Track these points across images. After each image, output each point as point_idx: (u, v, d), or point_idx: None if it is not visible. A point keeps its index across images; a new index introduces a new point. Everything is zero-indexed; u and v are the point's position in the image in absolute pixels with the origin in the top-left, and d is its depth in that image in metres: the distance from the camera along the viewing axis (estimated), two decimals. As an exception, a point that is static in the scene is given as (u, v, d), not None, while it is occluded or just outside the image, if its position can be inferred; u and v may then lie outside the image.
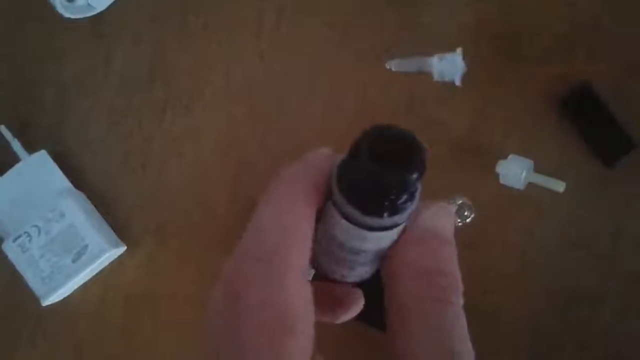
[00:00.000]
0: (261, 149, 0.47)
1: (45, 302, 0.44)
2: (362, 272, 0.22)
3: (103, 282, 0.47)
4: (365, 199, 0.18)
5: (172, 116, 0.48)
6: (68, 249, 0.44)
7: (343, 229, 0.19)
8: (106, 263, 0.46)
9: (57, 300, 0.46)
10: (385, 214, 0.18)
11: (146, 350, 0.47)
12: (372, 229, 0.19)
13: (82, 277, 0.45)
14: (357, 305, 0.23)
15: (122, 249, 0.46)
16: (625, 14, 0.45)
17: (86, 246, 0.44)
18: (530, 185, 0.43)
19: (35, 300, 0.44)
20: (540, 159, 0.44)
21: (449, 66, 0.44)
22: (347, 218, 0.19)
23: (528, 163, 0.43)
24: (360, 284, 0.23)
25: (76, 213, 0.45)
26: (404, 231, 0.20)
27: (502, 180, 0.44)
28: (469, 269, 0.46)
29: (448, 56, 0.45)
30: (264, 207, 0.20)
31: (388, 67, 0.46)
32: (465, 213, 0.42)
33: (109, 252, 0.44)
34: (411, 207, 0.19)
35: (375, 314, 0.21)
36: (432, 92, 0.46)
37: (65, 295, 0.46)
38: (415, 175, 0.18)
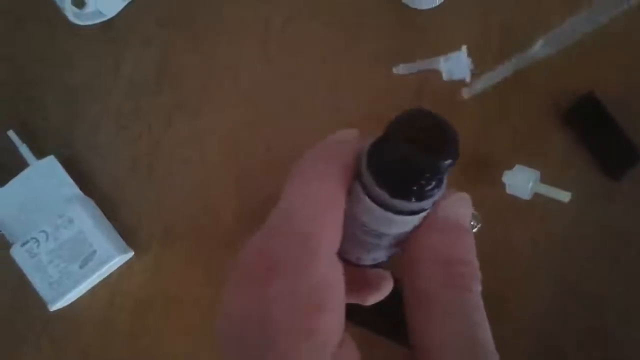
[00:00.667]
0: (268, 152, 0.48)
1: (53, 307, 0.44)
2: (378, 255, 0.22)
3: (110, 286, 0.47)
4: (394, 181, 0.18)
5: (180, 120, 0.49)
6: (76, 255, 0.44)
7: (368, 211, 0.19)
8: (114, 268, 0.47)
9: (64, 305, 0.46)
10: (413, 198, 0.18)
11: (153, 354, 0.47)
12: (398, 212, 0.19)
13: (89, 283, 0.45)
14: (386, 287, 0.23)
15: (130, 254, 0.47)
16: (630, 24, 0.45)
17: (94, 252, 0.44)
18: (535, 195, 0.44)
19: (42, 304, 0.44)
20: (546, 170, 0.44)
21: (456, 65, 0.45)
22: (374, 199, 0.19)
23: (534, 173, 0.44)
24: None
25: (84, 219, 0.45)
26: (425, 218, 0.20)
27: (508, 190, 0.44)
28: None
29: (453, 55, 0.45)
30: (293, 187, 0.19)
31: (395, 72, 0.47)
32: (472, 223, 0.42)
33: (116, 258, 0.45)
34: (438, 194, 0.19)
35: (398, 328, 0.21)
36: (439, 100, 0.46)
37: (73, 300, 0.46)
38: (447, 162, 0.18)
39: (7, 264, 0.45)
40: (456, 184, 0.45)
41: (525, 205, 0.44)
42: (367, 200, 0.19)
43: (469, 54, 0.44)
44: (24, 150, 0.47)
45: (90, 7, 0.46)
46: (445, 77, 0.45)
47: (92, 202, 0.47)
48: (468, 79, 0.45)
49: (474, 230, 0.43)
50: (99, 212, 0.47)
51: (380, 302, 0.23)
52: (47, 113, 0.49)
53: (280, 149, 0.48)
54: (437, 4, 0.46)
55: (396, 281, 0.23)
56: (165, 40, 0.49)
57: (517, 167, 0.44)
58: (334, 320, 0.18)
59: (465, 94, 0.46)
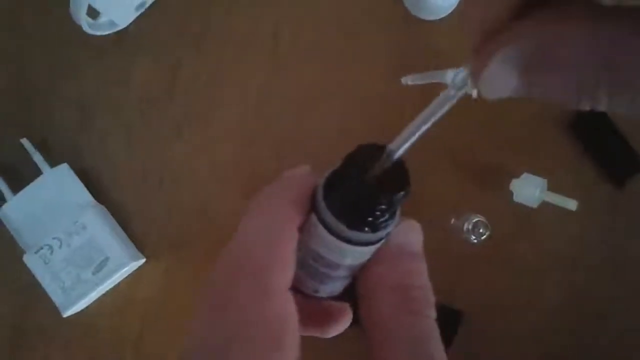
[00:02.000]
0: (277, 161, 0.48)
1: (66, 314, 0.45)
2: (334, 287, 0.22)
3: (121, 293, 0.48)
4: (350, 213, 0.19)
5: (190, 131, 0.49)
6: (89, 261, 0.45)
7: (324, 242, 0.20)
8: (125, 275, 0.47)
9: (77, 311, 0.46)
10: (368, 229, 0.19)
11: (163, 361, 0.47)
12: (352, 243, 0.20)
13: (102, 289, 0.46)
14: (346, 319, 0.24)
15: (142, 261, 0.47)
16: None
17: (107, 259, 0.45)
18: (542, 203, 0.44)
19: (54, 311, 0.45)
20: (552, 178, 0.45)
21: (465, 79, 0.45)
22: (331, 231, 0.20)
23: (542, 182, 0.44)
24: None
25: (98, 226, 0.45)
26: (377, 249, 0.21)
27: (516, 198, 0.45)
28: (483, 285, 0.47)
29: (463, 69, 0.45)
30: (248, 221, 0.20)
31: (404, 82, 0.47)
32: (481, 231, 0.43)
33: (129, 264, 0.45)
34: (392, 225, 0.20)
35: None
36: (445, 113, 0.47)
37: (85, 306, 0.47)
38: (400, 195, 0.19)
39: (20, 271, 0.45)
40: (465, 191, 0.46)
41: (533, 213, 0.45)
42: (324, 231, 0.20)
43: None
44: (38, 158, 0.47)
45: (103, 18, 0.47)
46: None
47: (104, 210, 0.47)
48: (475, 95, 0.45)
49: (483, 237, 0.43)
50: (111, 219, 0.47)
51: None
52: (59, 122, 0.49)
53: (290, 157, 0.48)
54: (445, 14, 0.47)
55: None
56: (176, 51, 0.49)
57: (525, 175, 0.45)
58: (292, 354, 0.18)
59: (405, 80, 0.46)
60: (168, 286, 0.48)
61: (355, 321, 0.23)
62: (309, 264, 0.21)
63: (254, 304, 0.18)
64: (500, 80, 0.16)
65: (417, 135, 0.20)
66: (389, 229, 0.20)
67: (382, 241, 0.20)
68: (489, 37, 0.16)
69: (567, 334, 0.45)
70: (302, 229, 0.20)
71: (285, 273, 0.19)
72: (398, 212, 0.20)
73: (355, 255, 0.20)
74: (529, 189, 0.44)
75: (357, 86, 0.48)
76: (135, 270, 0.48)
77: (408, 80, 0.47)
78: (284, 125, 0.49)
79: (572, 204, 0.44)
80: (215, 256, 0.49)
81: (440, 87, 0.49)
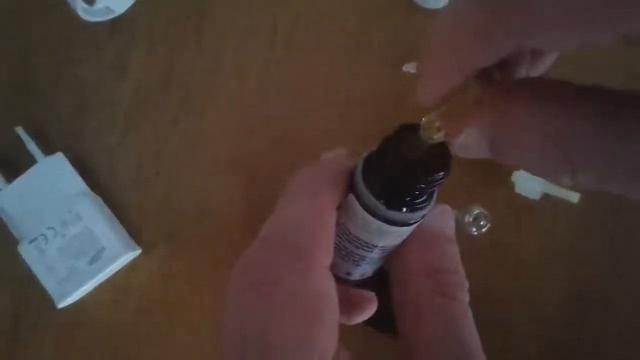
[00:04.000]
0: (275, 153, 0.48)
1: (61, 305, 0.44)
2: (366, 270, 0.22)
3: (115, 284, 0.47)
4: (390, 193, 0.19)
5: (186, 121, 0.48)
6: (84, 252, 0.44)
7: (363, 222, 0.20)
8: (121, 266, 0.46)
9: (71, 302, 0.46)
10: (407, 209, 0.19)
11: (157, 354, 0.47)
12: (391, 222, 0.20)
13: (97, 280, 0.45)
14: (371, 307, 0.24)
15: (138, 251, 0.47)
16: None
17: (103, 249, 0.44)
18: (544, 195, 0.44)
19: (47, 301, 0.44)
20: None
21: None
22: (369, 211, 0.20)
23: (543, 174, 0.44)
24: (361, 284, 0.24)
25: (93, 215, 0.45)
26: (412, 232, 0.21)
27: (517, 190, 0.44)
28: (483, 277, 0.47)
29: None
30: (287, 204, 0.20)
31: (405, 70, 0.47)
32: (482, 223, 0.42)
33: (125, 255, 0.44)
34: (429, 207, 0.20)
35: (386, 320, 0.22)
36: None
37: (79, 297, 0.46)
38: (439, 176, 0.19)
39: (14, 261, 0.45)
40: (466, 182, 0.45)
41: (534, 205, 0.44)
42: (362, 211, 0.20)
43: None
44: (32, 146, 0.46)
45: (99, 4, 0.46)
46: None
47: (99, 199, 0.47)
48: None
49: (484, 229, 0.43)
50: (106, 209, 0.47)
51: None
52: (54, 111, 0.49)
53: (288, 150, 0.48)
54: (446, 3, 0.46)
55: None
56: (173, 39, 0.49)
57: (526, 167, 0.44)
58: (331, 331, 0.18)
59: (407, 68, 0.46)
60: (163, 277, 0.47)
61: (370, 322, 0.23)
62: (344, 247, 0.21)
63: (297, 280, 0.18)
64: (474, 147, 0.17)
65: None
66: (426, 211, 0.20)
67: (419, 223, 0.20)
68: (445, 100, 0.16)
69: (568, 327, 0.44)
70: (338, 210, 0.20)
71: (326, 253, 0.19)
72: (435, 195, 0.20)
73: (391, 236, 0.20)
74: (530, 181, 0.44)
75: (358, 77, 0.48)
76: (131, 261, 0.47)
77: (410, 68, 0.47)
78: (282, 118, 0.48)
79: (573, 196, 0.43)
80: (212, 248, 0.48)
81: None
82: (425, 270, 0.20)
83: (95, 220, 0.45)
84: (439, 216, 0.21)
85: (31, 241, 0.44)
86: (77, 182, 0.46)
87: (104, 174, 0.48)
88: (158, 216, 0.48)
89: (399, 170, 0.19)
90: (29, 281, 0.45)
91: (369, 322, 0.24)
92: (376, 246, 0.21)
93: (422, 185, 0.19)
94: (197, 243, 0.47)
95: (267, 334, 0.18)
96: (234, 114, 0.48)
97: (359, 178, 0.20)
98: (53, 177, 0.46)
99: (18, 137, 0.47)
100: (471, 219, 0.42)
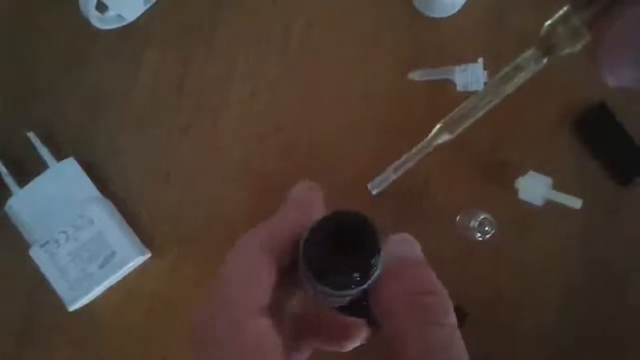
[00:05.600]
0: (286, 160, 0.48)
1: (72, 308, 0.45)
2: (346, 302, 0.22)
3: (126, 288, 0.48)
4: (331, 281, 0.19)
5: (198, 128, 0.49)
6: (96, 256, 0.45)
7: (320, 293, 0.21)
8: (131, 269, 0.47)
9: (82, 305, 0.46)
10: (353, 286, 0.20)
11: (167, 356, 0.47)
12: (343, 295, 0.20)
13: (108, 283, 0.46)
14: (362, 334, 0.24)
15: (148, 255, 0.47)
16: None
17: (114, 253, 0.45)
18: (547, 201, 0.45)
19: (58, 304, 0.45)
20: (557, 176, 0.45)
21: (471, 76, 0.46)
22: (319, 290, 0.20)
23: (547, 180, 0.45)
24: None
25: (104, 220, 0.45)
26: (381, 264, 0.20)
27: (521, 196, 0.45)
28: (488, 283, 0.48)
29: (470, 67, 0.46)
30: (229, 257, 0.22)
31: (411, 77, 0.48)
32: (487, 228, 0.43)
33: (135, 259, 0.45)
34: (377, 272, 0.20)
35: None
36: (454, 106, 0.47)
37: (90, 300, 0.47)
38: (373, 259, 0.19)
39: (25, 265, 0.45)
40: (470, 189, 0.46)
41: (537, 211, 0.45)
42: (314, 287, 0.20)
43: (486, 66, 0.45)
44: (44, 152, 0.47)
45: (112, 12, 0.47)
46: (460, 88, 0.46)
47: (110, 204, 0.47)
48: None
49: (488, 235, 0.44)
50: (117, 213, 0.47)
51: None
52: (66, 116, 0.49)
53: (299, 156, 0.48)
54: (453, 12, 0.47)
55: None
56: (185, 46, 0.49)
57: (530, 173, 0.45)
58: None
59: (413, 75, 0.47)
60: (174, 281, 0.48)
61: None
62: (316, 295, 0.22)
63: (230, 337, 0.19)
64: (629, 73, 0.19)
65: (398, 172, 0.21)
66: (374, 276, 0.20)
67: (376, 273, 0.20)
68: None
69: (572, 332, 0.45)
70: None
71: (257, 298, 0.20)
72: (380, 260, 0.20)
73: (353, 294, 0.20)
74: (534, 187, 0.45)
75: (367, 84, 0.48)
76: (141, 265, 0.48)
77: (416, 75, 0.48)
78: (293, 124, 0.49)
79: (577, 203, 0.44)
80: (221, 252, 0.49)
81: (446, 84, 0.50)
82: (401, 298, 0.20)
83: (106, 224, 0.45)
84: (400, 244, 0.21)
85: (42, 245, 0.45)
86: (88, 187, 0.47)
87: (115, 178, 0.49)
88: (168, 221, 0.48)
89: (332, 262, 0.19)
90: (40, 284, 0.45)
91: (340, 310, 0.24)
92: (345, 299, 0.21)
93: (359, 272, 0.19)
94: (207, 247, 0.48)
95: None
96: (245, 120, 0.49)
97: (301, 260, 0.20)
98: (65, 182, 0.46)
99: (30, 142, 0.47)
100: (476, 224, 0.43)
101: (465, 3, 0.47)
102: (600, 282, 0.45)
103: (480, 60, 0.46)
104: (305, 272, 0.20)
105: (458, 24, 0.48)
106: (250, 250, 0.21)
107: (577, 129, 0.47)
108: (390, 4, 0.49)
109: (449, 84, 0.47)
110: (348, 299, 0.21)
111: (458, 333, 0.20)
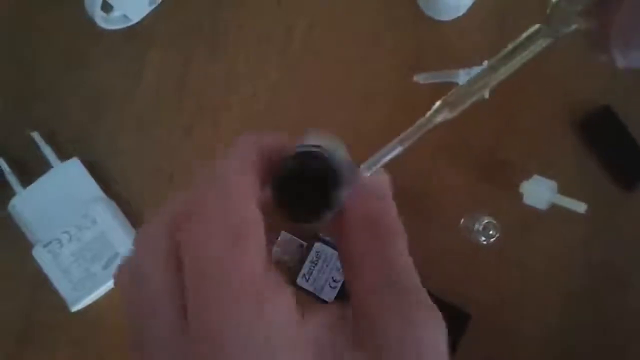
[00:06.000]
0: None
1: (75, 308, 0.45)
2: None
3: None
4: (297, 216, 0.20)
5: (200, 128, 0.49)
6: (99, 256, 0.45)
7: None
8: (134, 270, 0.47)
9: (85, 305, 0.46)
10: (319, 216, 0.20)
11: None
12: (312, 224, 0.21)
13: (110, 284, 0.46)
14: None
15: (151, 257, 0.47)
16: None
17: (117, 254, 0.45)
18: (551, 205, 0.45)
19: (59, 304, 0.45)
20: (562, 180, 0.45)
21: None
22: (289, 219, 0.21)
23: (551, 184, 0.45)
24: None
25: (108, 220, 0.45)
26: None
27: (525, 200, 0.45)
28: (492, 286, 0.48)
29: (474, 70, 0.46)
30: (219, 159, 0.20)
31: (416, 80, 0.48)
32: (491, 232, 0.43)
33: (139, 260, 0.45)
34: (341, 198, 0.21)
35: None
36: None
37: (93, 301, 0.47)
38: (338, 191, 0.20)
39: (28, 264, 0.45)
40: (474, 192, 0.46)
41: (541, 215, 0.45)
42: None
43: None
44: (48, 152, 0.47)
45: (117, 12, 0.47)
46: None
47: (114, 204, 0.47)
48: (487, 96, 0.45)
49: (492, 239, 0.44)
50: (121, 214, 0.47)
51: None
52: (70, 117, 0.49)
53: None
54: (458, 15, 0.47)
55: None
56: (188, 47, 0.49)
57: (535, 177, 0.45)
58: (257, 251, 0.18)
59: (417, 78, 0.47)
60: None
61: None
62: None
63: (220, 210, 0.18)
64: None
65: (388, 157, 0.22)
66: (340, 202, 0.21)
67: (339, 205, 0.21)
68: None
69: (576, 336, 0.45)
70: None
71: (250, 186, 0.20)
72: (342, 187, 0.20)
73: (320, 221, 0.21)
74: (538, 191, 0.44)
75: (370, 85, 0.48)
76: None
77: (420, 78, 0.48)
78: (295, 124, 0.49)
79: (581, 207, 0.44)
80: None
81: (450, 86, 0.49)
82: (358, 217, 0.21)
83: (109, 225, 0.45)
84: (371, 179, 0.22)
85: (45, 245, 0.45)
86: (92, 187, 0.47)
87: (119, 179, 0.49)
88: (172, 222, 0.48)
89: (296, 196, 0.20)
90: (43, 284, 0.45)
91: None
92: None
93: (322, 206, 0.20)
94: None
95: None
96: (247, 120, 0.49)
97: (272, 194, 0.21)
98: (68, 182, 0.46)
99: (34, 142, 0.47)
100: (480, 228, 0.43)
101: (471, 6, 0.47)
102: (603, 285, 0.45)
103: (486, 62, 0.45)
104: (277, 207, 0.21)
105: (461, 25, 0.48)
106: (247, 148, 0.21)
107: (581, 132, 0.47)
108: (393, 4, 0.49)
109: (452, 86, 0.47)
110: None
111: (409, 257, 0.20)
